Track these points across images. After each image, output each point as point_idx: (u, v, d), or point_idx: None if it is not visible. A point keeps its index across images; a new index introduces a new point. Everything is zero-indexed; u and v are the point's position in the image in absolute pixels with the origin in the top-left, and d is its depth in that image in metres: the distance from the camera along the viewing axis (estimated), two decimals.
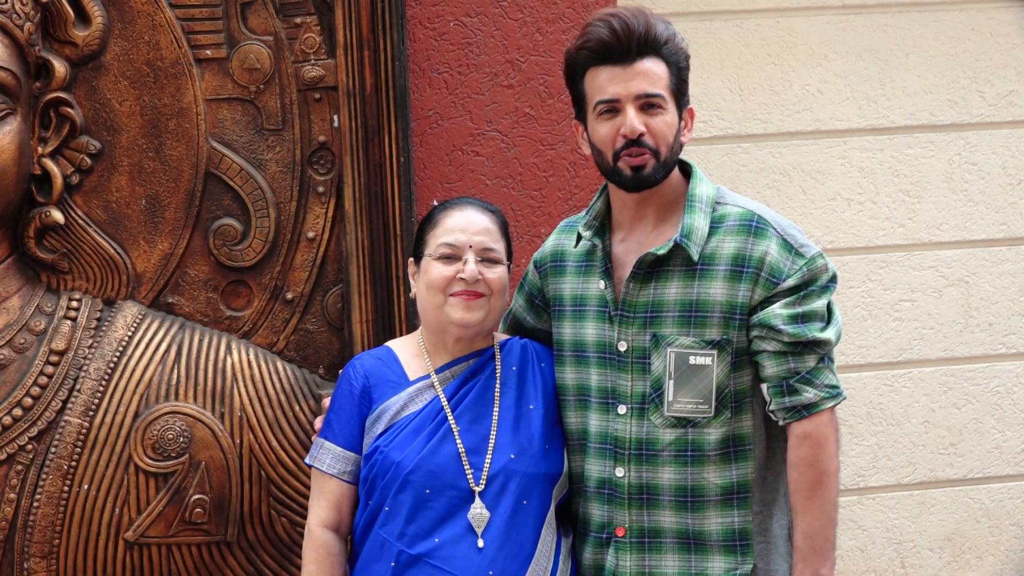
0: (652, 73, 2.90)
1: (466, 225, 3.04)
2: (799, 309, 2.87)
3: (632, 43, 2.89)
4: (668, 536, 2.94)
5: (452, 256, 3.02)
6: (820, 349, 2.88)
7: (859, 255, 4.34)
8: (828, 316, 2.91)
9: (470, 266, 3.00)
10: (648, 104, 2.90)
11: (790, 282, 2.88)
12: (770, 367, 2.89)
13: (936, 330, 4.41)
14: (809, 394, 2.86)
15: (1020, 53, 4.40)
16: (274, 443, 3.61)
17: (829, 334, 2.89)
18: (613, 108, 2.92)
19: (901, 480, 4.39)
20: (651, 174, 2.91)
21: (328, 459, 3.05)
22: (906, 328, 4.39)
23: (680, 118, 2.96)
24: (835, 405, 2.90)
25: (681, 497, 2.92)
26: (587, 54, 2.94)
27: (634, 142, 2.89)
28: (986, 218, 4.41)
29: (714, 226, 2.94)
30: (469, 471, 2.96)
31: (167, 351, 3.60)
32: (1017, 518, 4.46)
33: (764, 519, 2.96)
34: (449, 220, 3.06)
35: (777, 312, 2.86)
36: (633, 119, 2.89)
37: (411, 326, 3.56)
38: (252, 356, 3.63)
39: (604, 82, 2.92)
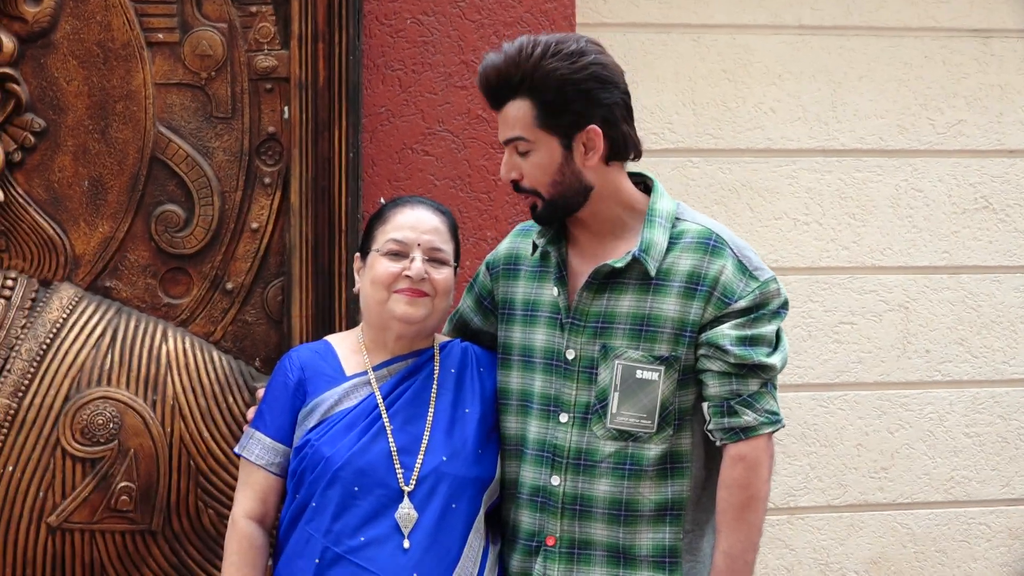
0: (511, 117, 2.91)
1: (416, 223, 3.03)
2: (748, 332, 2.86)
3: (491, 94, 2.93)
4: (598, 548, 2.93)
5: (399, 253, 3.00)
6: (764, 374, 2.88)
7: (802, 275, 4.36)
8: (776, 342, 2.91)
9: (416, 264, 2.98)
10: (516, 149, 2.92)
11: (742, 304, 2.88)
12: (713, 387, 2.88)
13: (874, 354, 4.43)
14: (748, 417, 2.86)
15: (971, 83, 4.44)
16: (205, 434, 3.57)
17: (775, 360, 2.89)
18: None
19: (831, 501, 4.42)
20: (543, 213, 2.94)
21: (257, 449, 3.02)
22: (844, 351, 4.41)
23: (568, 147, 2.90)
24: (773, 431, 2.90)
25: (615, 510, 2.91)
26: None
27: (515, 186, 2.95)
28: (929, 245, 4.44)
29: (672, 242, 2.93)
30: (399, 471, 2.93)
31: (102, 335, 3.56)
32: (943, 545, 4.49)
33: (695, 538, 2.95)
34: (399, 217, 3.04)
35: (726, 332, 2.86)
36: (504, 165, 2.95)
37: (351, 322, 3.52)
38: (188, 345, 3.60)
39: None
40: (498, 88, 2.90)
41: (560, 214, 2.94)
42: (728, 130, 4.31)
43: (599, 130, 2.89)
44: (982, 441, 4.50)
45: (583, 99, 2.88)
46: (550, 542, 2.95)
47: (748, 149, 4.32)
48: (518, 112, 2.89)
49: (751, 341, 2.86)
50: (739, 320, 2.87)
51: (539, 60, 2.85)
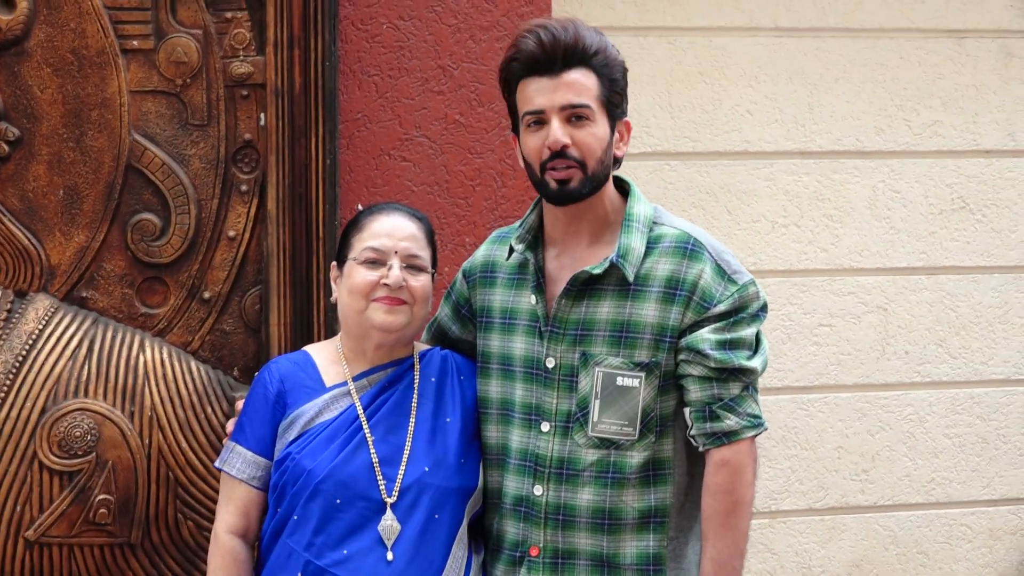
0: (579, 84, 2.87)
1: (392, 230, 3.00)
2: (727, 335, 2.85)
3: (559, 54, 2.86)
4: (582, 558, 2.91)
5: (377, 261, 2.97)
6: (745, 377, 2.86)
7: (781, 278, 4.35)
8: (756, 345, 2.89)
9: (394, 272, 2.95)
10: (575, 115, 2.86)
11: (721, 307, 2.86)
12: (694, 391, 2.87)
13: (853, 356, 4.42)
14: (731, 421, 2.85)
15: (947, 84, 4.43)
16: (184, 444, 3.54)
17: (755, 363, 2.87)
18: (540, 120, 2.88)
19: (812, 505, 4.41)
20: (577, 188, 2.88)
21: (238, 463, 2.99)
22: (824, 353, 4.41)
23: (613, 131, 2.92)
24: (756, 435, 2.88)
25: (598, 519, 2.89)
26: (517, 66, 2.91)
27: (559, 154, 2.86)
28: (907, 246, 4.44)
29: (650, 246, 2.91)
30: (382, 482, 2.90)
31: (78, 346, 3.52)
32: (925, 547, 4.49)
33: (679, 545, 2.94)
34: (375, 225, 3.01)
35: (705, 337, 2.84)
36: (557, 130, 2.85)
37: (330, 330, 3.50)
38: (165, 355, 3.57)
39: (532, 94, 2.89)
40: (570, 50, 2.85)
41: (586, 193, 2.89)
42: (705, 133, 4.29)
43: (630, 124, 2.97)
44: (962, 442, 4.50)
45: (625, 91, 2.94)
46: (534, 552, 2.93)
47: (725, 152, 4.31)
48: (586, 80, 2.87)
49: (731, 345, 2.84)
50: (719, 324, 2.85)
51: (607, 42, 2.90)
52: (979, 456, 4.51)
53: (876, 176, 4.41)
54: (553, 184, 2.88)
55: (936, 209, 4.45)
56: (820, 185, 4.38)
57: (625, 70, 2.94)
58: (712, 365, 2.84)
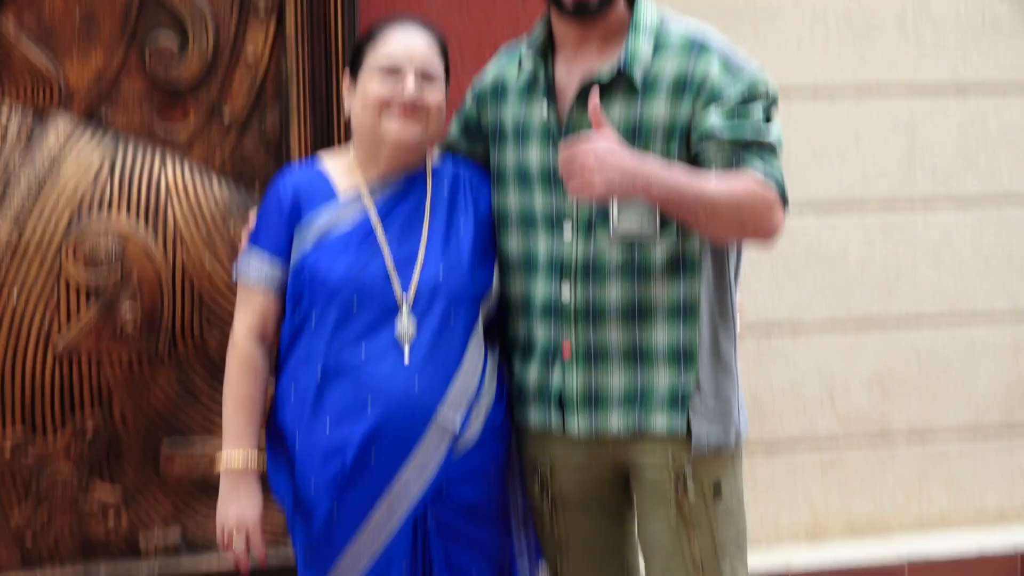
0: None
1: (408, 43, 2.98)
2: (738, 115, 2.83)
3: None
4: (614, 353, 2.92)
5: (392, 72, 2.96)
6: (764, 150, 2.83)
7: (807, 99, 4.31)
8: (769, 124, 2.86)
9: (409, 84, 2.94)
10: None
11: (730, 93, 2.84)
12: (715, 164, 2.83)
13: (879, 178, 4.39)
14: (757, 169, 2.80)
15: None
16: (207, 261, 3.58)
17: (772, 137, 2.84)
18: None
19: (835, 316, 4.42)
20: (595, 4, 2.88)
21: (255, 265, 2.99)
22: (849, 170, 4.37)
23: None
24: (780, 200, 2.83)
25: (628, 312, 2.90)
26: None
27: None
28: (936, 64, 4.37)
29: (657, 47, 2.90)
30: (397, 285, 2.92)
31: (100, 166, 3.55)
32: (946, 356, 4.51)
33: (710, 339, 2.93)
34: (391, 35, 2.99)
35: (715, 119, 2.82)
36: None
37: None
38: (187, 173, 3.59)
39: None
40: None
41: (603, 7, 2.88)
42: None
43: None
44: (988, 261, 4.49)
45: None
46: (566, 352, 2.95)
47: None
48: None
49: (742, 118, 2.82)
50: (729, 107, 2.83)
51: None
52: (1005, 268, 4.51)
53: None
54: (568, 1, 2.89)
55: (965, 26, 4.38)
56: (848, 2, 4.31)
57: None
58: (727, 139, 2.81)
